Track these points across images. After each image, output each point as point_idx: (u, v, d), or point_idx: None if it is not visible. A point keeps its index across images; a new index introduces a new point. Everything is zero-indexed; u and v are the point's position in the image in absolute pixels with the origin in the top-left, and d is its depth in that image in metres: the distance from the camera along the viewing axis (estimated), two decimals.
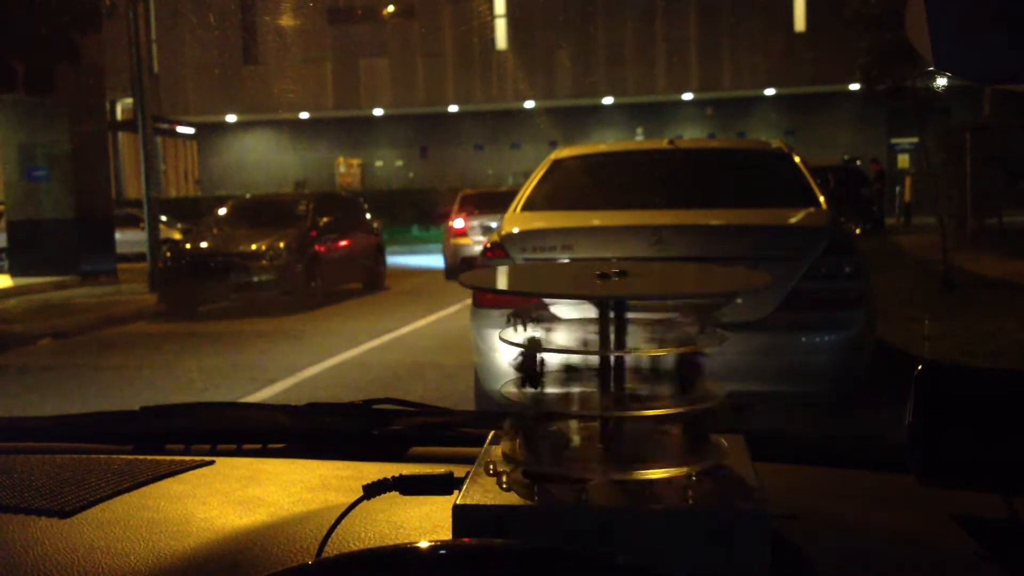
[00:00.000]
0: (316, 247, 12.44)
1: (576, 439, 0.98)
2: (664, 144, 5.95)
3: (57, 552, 0.97)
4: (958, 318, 8.30)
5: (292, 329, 10.23)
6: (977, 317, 8.29)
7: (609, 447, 0.94)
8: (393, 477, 0.97)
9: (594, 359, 0.96)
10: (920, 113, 13.59)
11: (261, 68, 30.15)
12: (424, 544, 0.64)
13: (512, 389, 0.98)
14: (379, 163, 33.08)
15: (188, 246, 12.32)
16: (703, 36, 28.71)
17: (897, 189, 25.20)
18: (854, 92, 24.48)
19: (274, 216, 13.11)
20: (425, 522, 1.01)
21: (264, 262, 11.56)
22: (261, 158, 32.41)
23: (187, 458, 1.35)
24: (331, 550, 0.91)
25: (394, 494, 0.97)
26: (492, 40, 30.19)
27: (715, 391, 0.97)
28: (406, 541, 0.94)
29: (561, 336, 0.97)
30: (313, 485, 1.20)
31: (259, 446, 1.48)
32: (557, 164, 5.74)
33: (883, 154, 28.44)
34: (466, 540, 0.81)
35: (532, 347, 0.96)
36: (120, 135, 29.46)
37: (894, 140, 29.17)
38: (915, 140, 24.71)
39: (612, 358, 0.94)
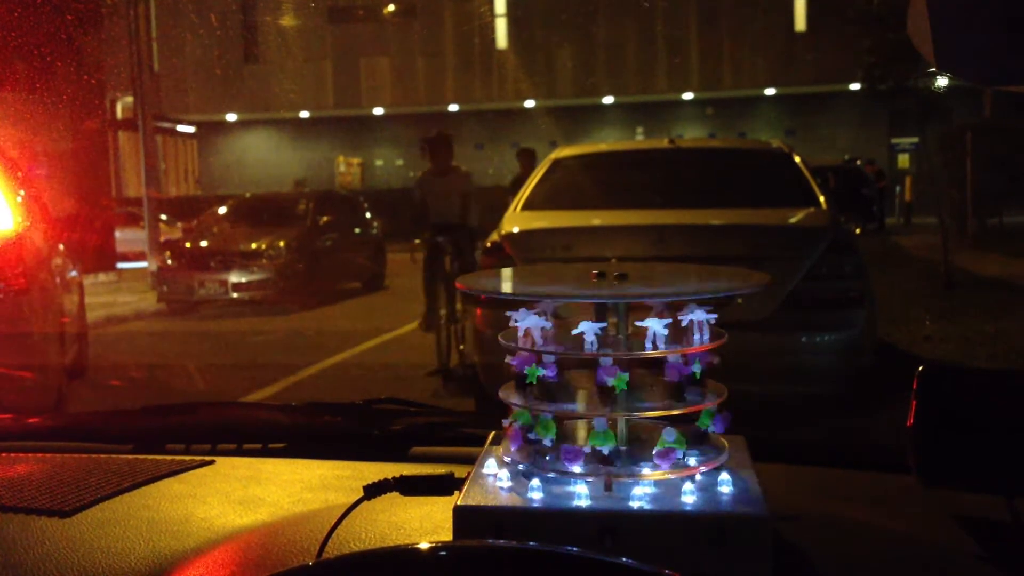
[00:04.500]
0: (316, 246, 12.44)
1: (577, 440, 0.98)
2: (664, 144, 5.95)
3: (57, 551, 0.97)
4: (959, 319, 8.29)
5: (292, 328, 10.23)
6: (978, 318, 8.28)
7: (610, 448, 0.94)
8: (394, 477, 0.97)
9: (595, 360, 0.96)
10: (921, 113, 13.57)
11: (262, 67, 30.13)
12: (425, 545, 0.64)
13: (513, 390, 0.98)
14: (379, 162, 33.07)
15: (188, 245, 12.32)
16: (703, 36, 28.68)
17: (897, 189, 25.18)
18: (855, 92, 24.45)
19: (274, 215, 13.12)
20: (426, 522, 1.01)
21: (264, 261, 11.57)
22: (261, 157, 32.40)
23: (187, 458, 1.35)
24: (332, 551, 0.91)
25: (395, 494, 0.97)
26: (493, 39, 30.16)
27: (716, 392, 0.97)
28: (407, 542, 0.94)
29: (561, 337, 0.97)
30: (313, 485, 1.20)
31: (259, 446, 1.47)
32: (557, 164, 5.74)
33: (884, 154, 28.42)
34: (467, 541, 0.81)
35: (532, 348, 0.95)
36: (120, 134, 29.45)
37: (895, 140, 29.15)
38: (916, 140, 24.69)
39: (612, 359, 0.94)
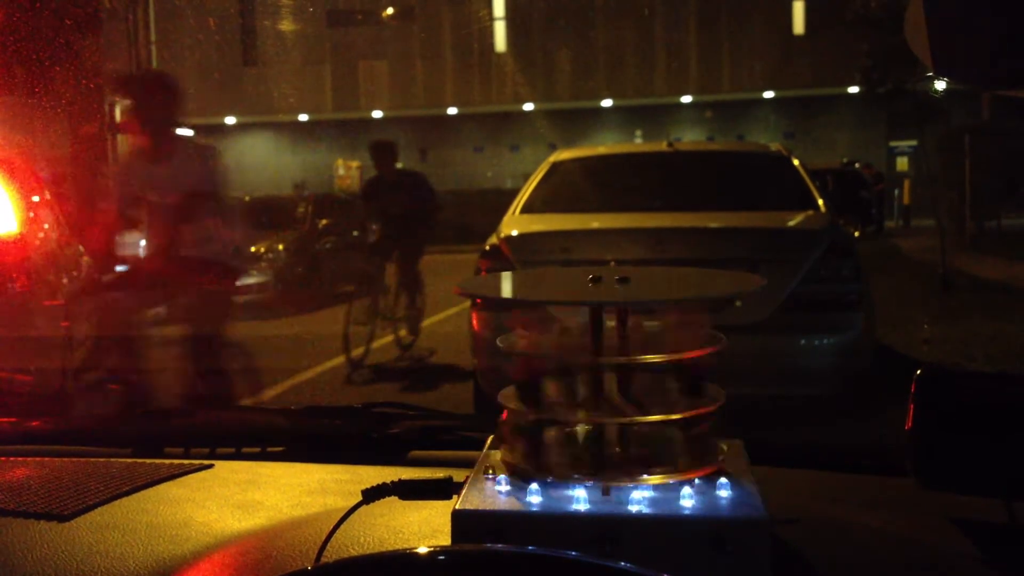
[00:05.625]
0: (315, 249, 12.44)
1: (575, 444, 0.98)
2: (663, 147, 5.95)
3: (55, 556, 0.97)
4: (957, 321, 8.30)
5: (291, 331, 10.22)
6: (976, 320, 8.28)
7: (608, 452, 0.94)
8: (392, 481, 0.97)
9: (593, 364, 0.96)
10: (920, 116, 13.60)
11: (260, 70, 30.15)
12: (423, 549, 0.64)
13: (511, 393, 0.98)
14: None
15: None
16: (702, 39, 28.72)
17: (896, 192, 25.21)
18: (853, 95, 24.49)
19: (273, 218, 13.12)
20: (424, 527, 1.01)
21: (263, 264, 11.57)
22: (260, 160, 32.38)
23: (186, 461, 1.35)
24: (330, 555, 0.91)
25: (393, 498, 0.97)
26: (491, 43, 30.19)
27: (714, 395, 0.97)
28: (405, 546, 0.94)
29: (560, 341, 0.97)
30: (312, 489, 1.20)
31: (258, 449, 1.47)
32: (556, 167, 5.74)
33: (882, 157, 28.44)
34: (465, 545, 0.81)
35: (530, 352, 0.95)
36: (119, 137, 29.43)
37: (893, 143, 29.17)
38: (914, 143, 24.72)
39: (610, 363, 0.94)
